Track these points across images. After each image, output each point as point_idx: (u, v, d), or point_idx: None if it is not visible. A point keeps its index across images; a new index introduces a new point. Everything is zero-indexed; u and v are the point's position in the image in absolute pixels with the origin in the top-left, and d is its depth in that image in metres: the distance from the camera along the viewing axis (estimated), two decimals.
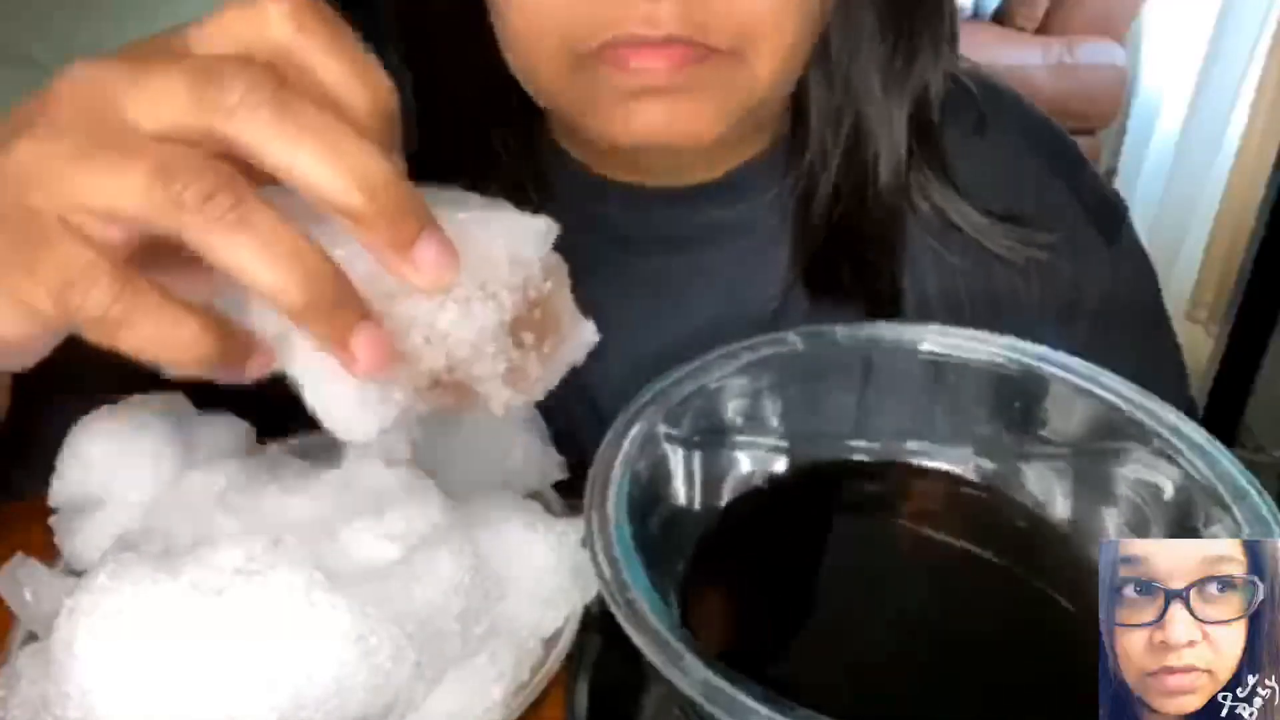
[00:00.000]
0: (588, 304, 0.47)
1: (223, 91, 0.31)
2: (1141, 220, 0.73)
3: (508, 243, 0.38)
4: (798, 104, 0.64)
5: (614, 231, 0.64)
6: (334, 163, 0.32)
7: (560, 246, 0.40)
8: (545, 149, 0.66)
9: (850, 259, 0.65)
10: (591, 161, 0.65)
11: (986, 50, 2.70)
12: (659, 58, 0.52)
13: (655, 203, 0.65)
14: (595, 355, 0.66)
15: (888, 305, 0.65)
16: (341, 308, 0.33)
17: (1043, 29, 2.93)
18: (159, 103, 0.32)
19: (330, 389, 0.36)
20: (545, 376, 0.40)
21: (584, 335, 0.42)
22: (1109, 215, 0.71)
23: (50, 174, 0.32)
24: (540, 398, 0.40)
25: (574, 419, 0.61)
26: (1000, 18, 2.98)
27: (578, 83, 0.54)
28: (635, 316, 0.65)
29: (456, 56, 0.61)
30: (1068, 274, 0.67)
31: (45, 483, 0.50)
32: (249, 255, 0.31)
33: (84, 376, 0.53)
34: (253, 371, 0.35)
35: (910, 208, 0.64)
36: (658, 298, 0.65)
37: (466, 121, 0.63)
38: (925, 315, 0.65)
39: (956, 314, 0.66)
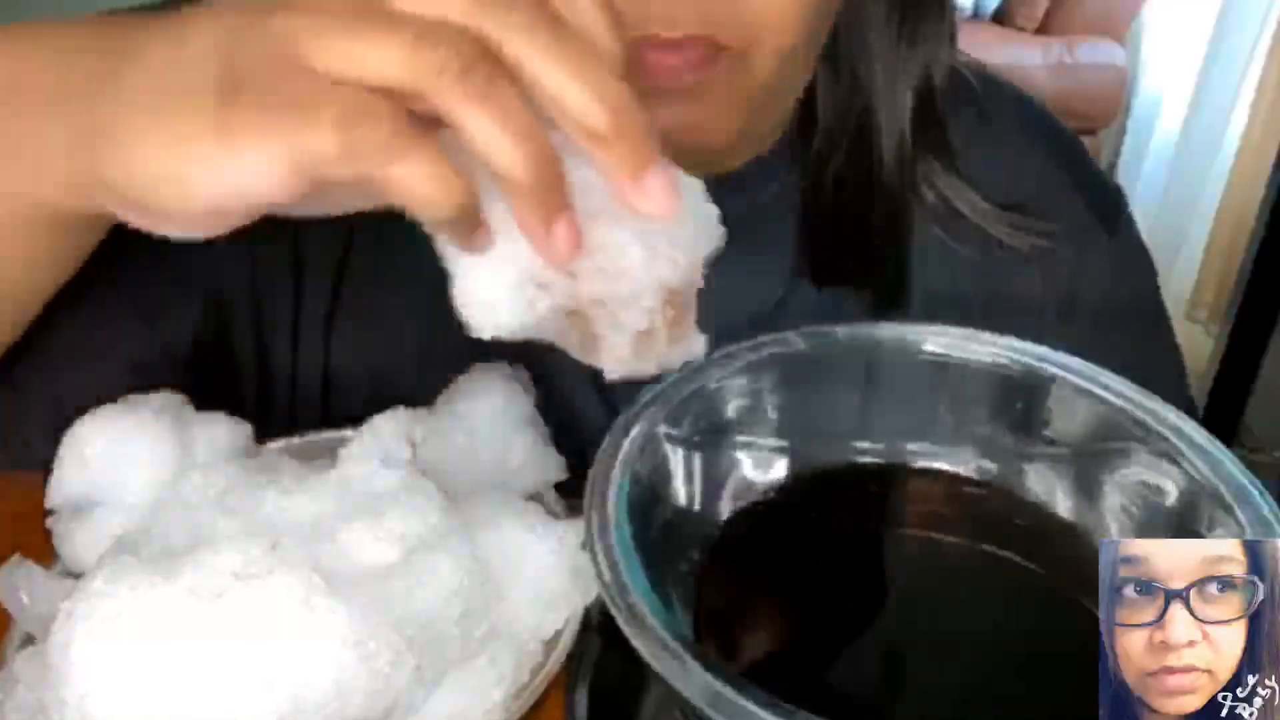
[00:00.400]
0: None
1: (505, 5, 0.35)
2: (1141, 220, 0.74)
3: (697, 217, 0.41)
4: (805, 97, 0.64)
5: None
6: (589, 84, 0.35)
7: None
8: None
9: (855, 247, 0.65)
10: None
11: (986, 50, 2.68)
12: (675, 57, 0.52)
13: None
14: None
15: (893, 294, 0.65)
16: (555, 192, 0.36)
17: (1043, 29, 2.93)
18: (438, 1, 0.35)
19: (491, 267, 0.37)
20: (660, 357, 0.41)
21: (696, 344, 0.43)
22: (1110, 207, 0.71)
23: (317, 40, 0.34)
24: (647, 374, 0.41)
25: (576, 410, 0.61)
26: (1000, 18, 2.98)
27: None
28: None
29: None
30: (1069, 263, 0.68)
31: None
32: (491, 126, 0.34)
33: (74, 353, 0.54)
34: (479, 241, 0.37)
35: (915, 196, 0.65)
36: None
37: None
38: (929, 304, 0.66)
39: (961, 303, 0.66)
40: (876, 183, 0.64)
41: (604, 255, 0.38)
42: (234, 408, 0.53)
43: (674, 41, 0.52)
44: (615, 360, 0.40)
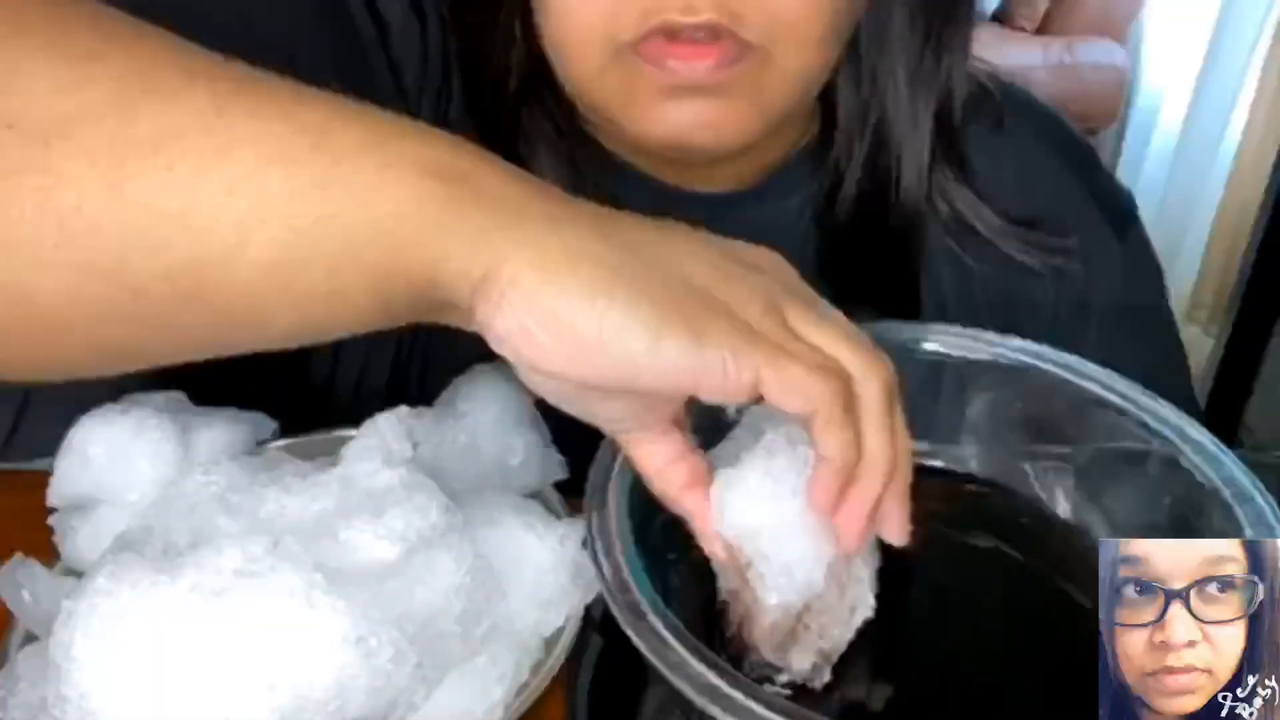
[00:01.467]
0: None
1: (871, 425, 0.40)
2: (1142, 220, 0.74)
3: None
4: (826, 105, 0.64)
5: None
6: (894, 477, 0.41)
7: None
8: (576, 139, 0.65)
9: (872, 259, 0.65)
10: (624, 161, 0.64)
11: (986, 50, 2.67)
12: (696, 56, 0.52)
13: (680, 206, 0.64)
14: None
15: (907, 304, 0.65)
16: (868, 498, 0.41)
17: (1043, 29, 2.93)
18: (832, 344, 0.40)
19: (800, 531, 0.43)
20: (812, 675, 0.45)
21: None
22: (1121, 213, 0.72)
23: (795, 312, 0.41)
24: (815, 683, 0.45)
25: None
26: (1000, 18, 2.98)
27: (615, 77, 0.54)
28: None
29: (500, 32, 0.61)
30: (1082, 272, 0.68)
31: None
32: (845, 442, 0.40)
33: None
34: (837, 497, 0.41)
35: (930, 208, 0.65)
36: None
37: (507, 99, 0.62)
38: (941, 316, 0.66)
39: (972, 315, 0.66)
40: (893, 194, 0.64)
41: (851, 570, 0.44)
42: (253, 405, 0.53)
43: (694, 30, 0.51)
44: (803, 660, 0.44)
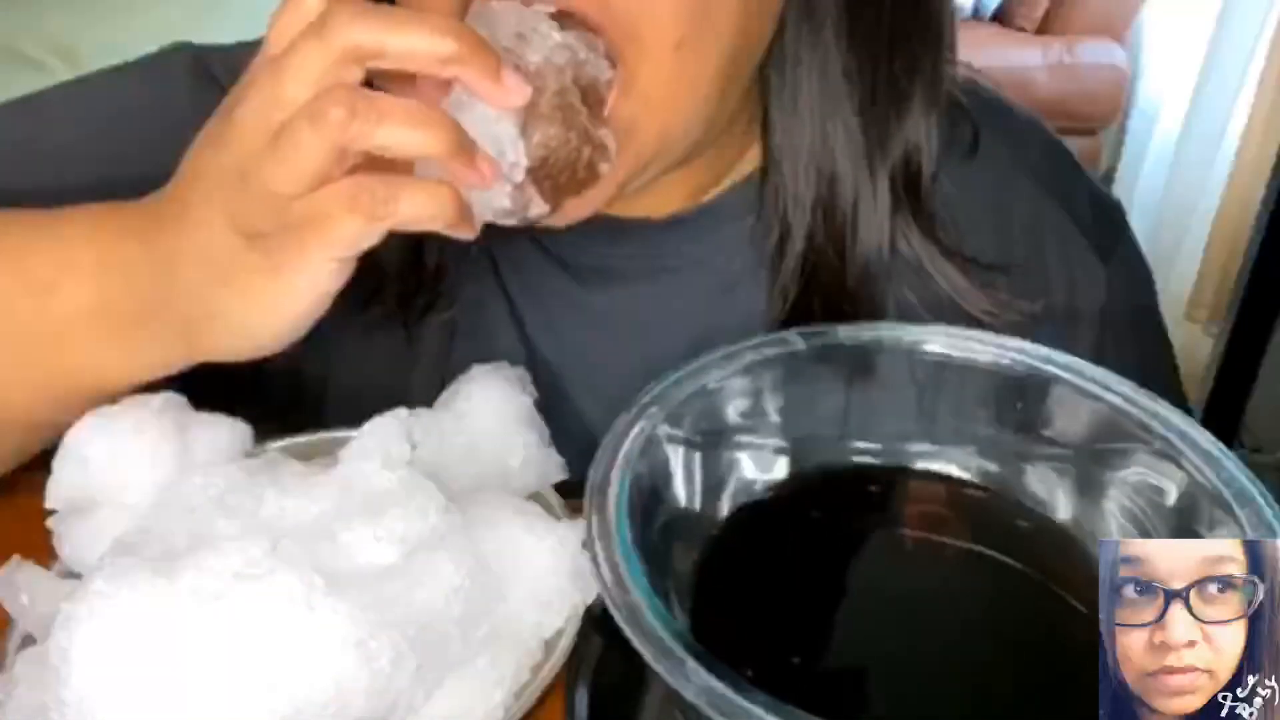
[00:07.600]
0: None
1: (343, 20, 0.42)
2: (1141, 220, 0.73)
3: None
4: (766, 141, 0.62)
5: (578, 265, 0.63)
6: (426, 34, 0.43)
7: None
8: None
9: (827, 311, 0.61)
10: None
11: (986, 50, 2.70)
12: None
13: (620, 236, 0.63)
14: (561, 393, 0.64)
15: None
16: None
17: (1043, 29, 2.93)
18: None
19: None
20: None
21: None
22: (1105, 226, 0.69)
23: (262, 173, 0.43)
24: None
25: (570, 413, 0.61)
26: (1000, 18, 2.99)
27: None
28: (601, 352, 0.64)
29: None
30: (1063, 302, 0.66)
31: None
32: (403, 130, 0.42)
33: None
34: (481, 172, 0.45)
35: (893, 253, 0.62)
36: (624, 333, 0.64)
37: None
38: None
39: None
40: (848, 250, 0.61)
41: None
42: (231, 410, 0.53)
43: None
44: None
